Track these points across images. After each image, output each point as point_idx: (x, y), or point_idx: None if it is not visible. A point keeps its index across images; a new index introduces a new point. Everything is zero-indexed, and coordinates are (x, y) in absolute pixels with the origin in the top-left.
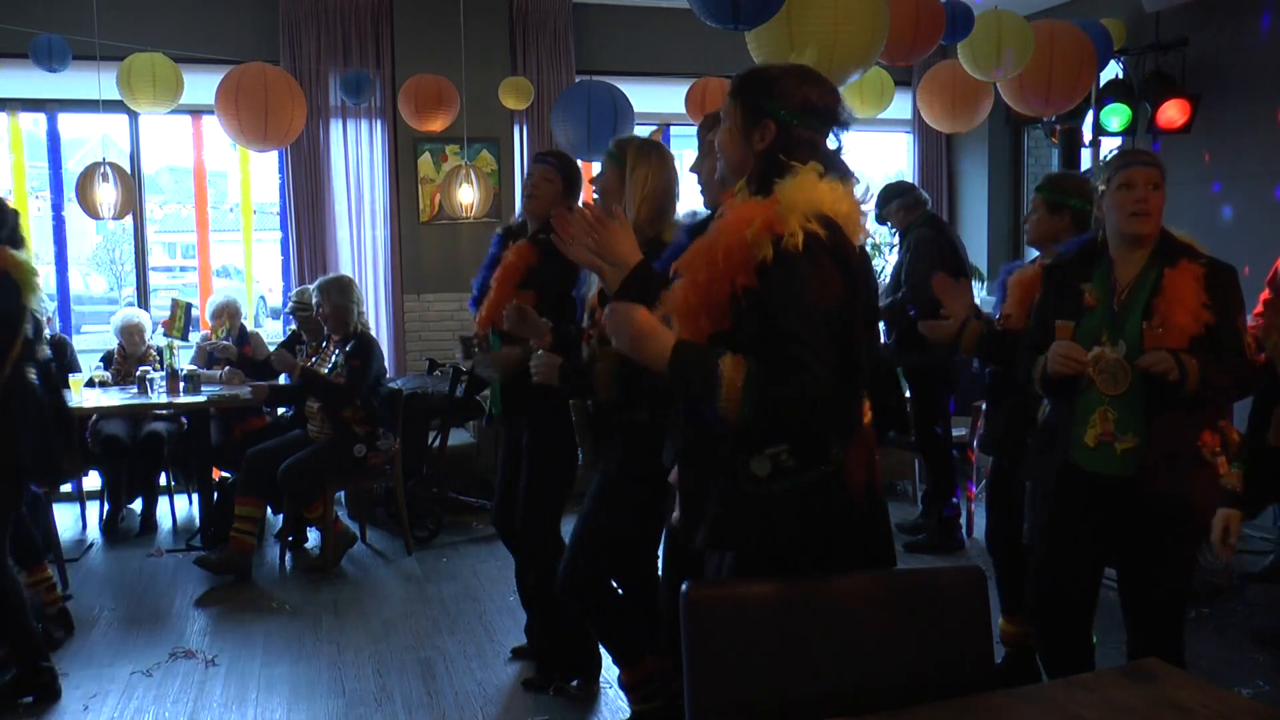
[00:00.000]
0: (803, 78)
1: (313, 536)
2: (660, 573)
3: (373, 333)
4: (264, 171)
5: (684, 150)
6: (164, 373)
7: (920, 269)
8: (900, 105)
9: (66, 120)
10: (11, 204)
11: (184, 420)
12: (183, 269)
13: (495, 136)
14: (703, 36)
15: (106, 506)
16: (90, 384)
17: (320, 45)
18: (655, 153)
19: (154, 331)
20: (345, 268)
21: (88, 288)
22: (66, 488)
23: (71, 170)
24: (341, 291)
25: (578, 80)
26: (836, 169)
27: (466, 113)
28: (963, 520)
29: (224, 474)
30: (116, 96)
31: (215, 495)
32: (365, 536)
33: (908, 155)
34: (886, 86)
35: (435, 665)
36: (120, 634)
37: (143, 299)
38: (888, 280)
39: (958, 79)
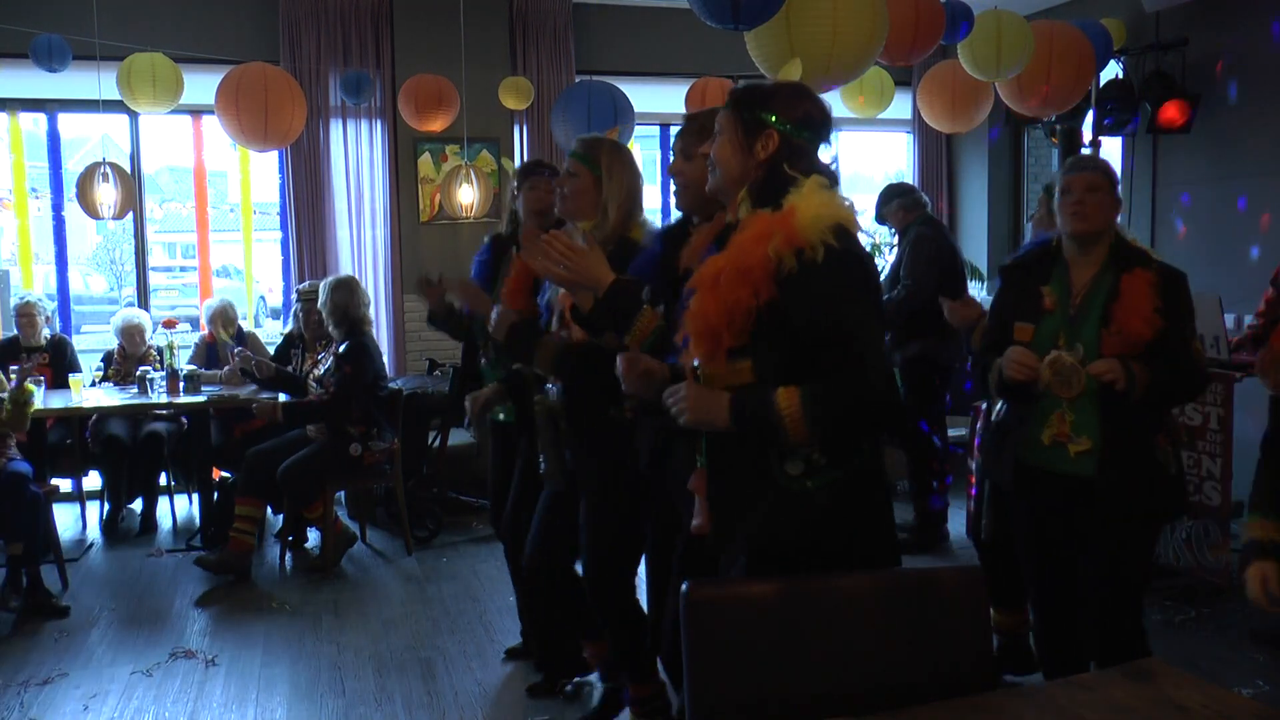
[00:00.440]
0: (799, 92)
1: (313, 536)
2: (647, 579)
3: (373, 334)
4: (264, 171)
5: None
6: (164, 373)
7: (919, 266)
8: (900, 105)
9: (66, 120)
10: None
11: (184, 420)
12: (183, 269)
13: (495, 136)
14: (703, 36)
15: (106, 506)
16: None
17: (320, 45)
18: (626, 155)
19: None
20: (345, 268)
21: (88, 288)
22: (66, 487)
23: (71, 170)
24: (346, 291)
25: (578, 80)
26: (831, 178)
27: (466, 113)
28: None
29: (224, 474)
30: (116, 96)
31: (215, 495)
32: (365, 536)
33: (908, 155)
34: (886, 86)
35: (435, 665)
36: (120, 634)
37: (143, 299)
38: (885, 277)
39: (958, 79)
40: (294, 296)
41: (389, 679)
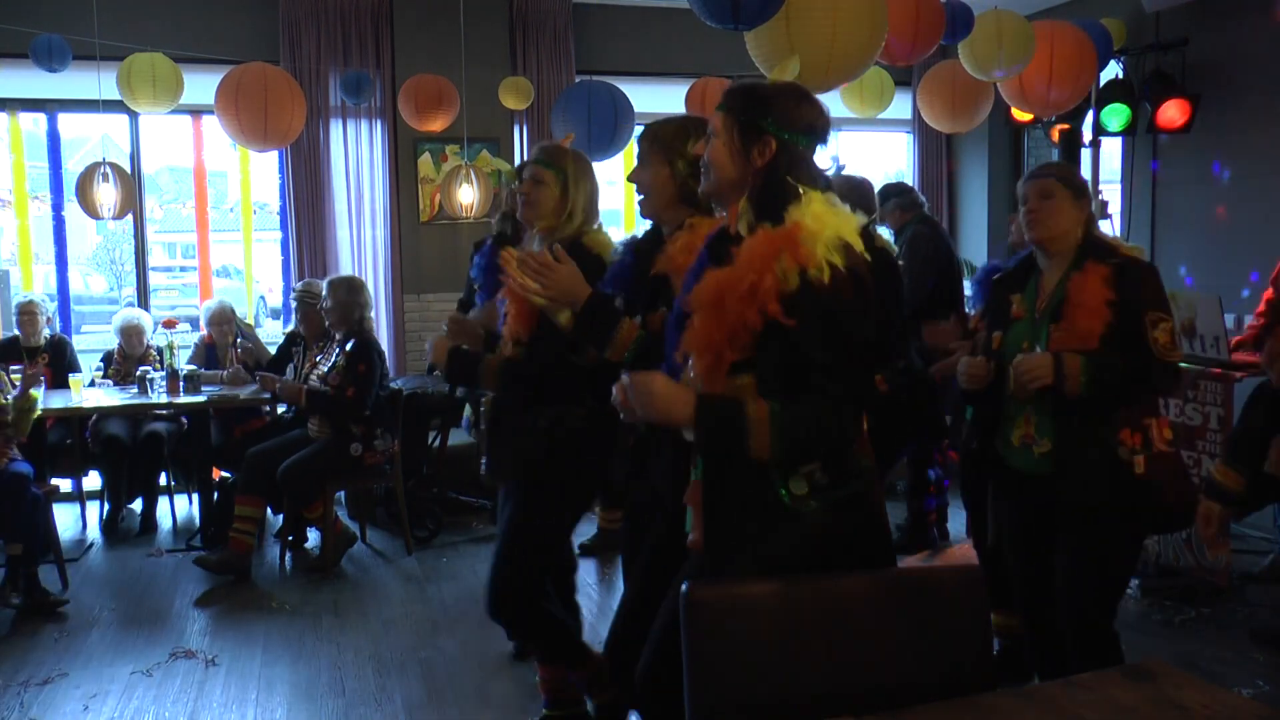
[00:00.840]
0: (799, 97)
1: (313, 536)
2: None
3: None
4: (264, 171)
5: None
6: (164, 373)
7: (915, 265)
8: (900, 105)
9: (66, 120)
10: None
11: (184, 420)
12: (183, 269)
13: (495, 136)
14: (703, 36)
15: (106, 506)
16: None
17: (320, 45)
18: (587, 163)
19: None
20: (345, 268)
21: (88, 288)
22: (66, 487)
23: (71, 170)
24: (349, 290)
25: (578, 80)
26: (825, 185)
27: (466, 113)
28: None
29: (224, 474)
30: (116, 96)
31: (215, 495)
32: (365, 536)
33: (908, 155)
34: (886, 86)
35: (435, 665)
36: (120, 634)
37: (143, 299)
38: None
39: (958, 79)
40: (292, 296)
41: (389, 679)
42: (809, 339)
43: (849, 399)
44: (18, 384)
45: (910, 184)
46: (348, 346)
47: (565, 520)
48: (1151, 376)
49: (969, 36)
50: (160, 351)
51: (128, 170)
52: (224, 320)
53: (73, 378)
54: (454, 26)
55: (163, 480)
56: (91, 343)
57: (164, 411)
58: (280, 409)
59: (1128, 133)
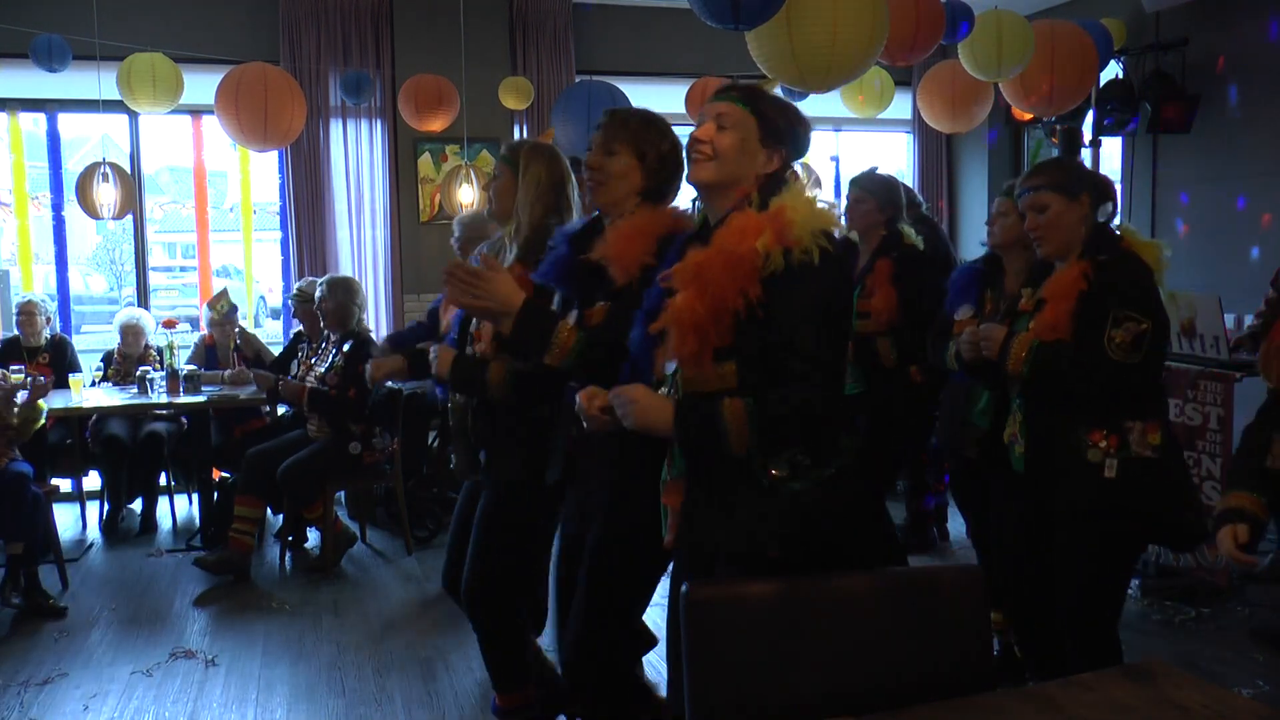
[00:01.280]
0: (803, 119)
1: (313, 536)
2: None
3: (372, 333)
4: (264, 171)
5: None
6: (164, 373)
7: None
8: (900, 105)
9: (66, 120)
10: None
11: (184, 420)
12: (183, 269)
13: (495, 136)
14: (703, 36)
15: (106, 506)
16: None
17: (320, 45)
18: (546, 153)
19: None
20: (345, 268)
21: (88, 288)
22: (66, 487)
23: (71, 170)
24: (346, 291)
25: (578, 80)
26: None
27: (466, 113)
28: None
29: (224, 474)
30: (116, 96)
31: (215, 495)
32: (365, 536)
33: (908, 155)
34: (886, 86)
35: (435, 665)
36: (120, 634)
37: (143, 299)
38: None
39: (958, 79)
40: (289, 297)
41: (389, 679)
42: (789, 320)
43: (829, 382)
44: (28, 387)
45: (909, 184)
46: (345, 347)
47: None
48: (1097, 375)
49: (969, 36)
50: (160, 351)
51: (128, 170)
52: (223, 302)
53: (73, 378)
54: (454, 26)
55: (163, 480)
56: (91, 343)
57: (164, 411)
58: (280, 409)
59: (1128, 133)
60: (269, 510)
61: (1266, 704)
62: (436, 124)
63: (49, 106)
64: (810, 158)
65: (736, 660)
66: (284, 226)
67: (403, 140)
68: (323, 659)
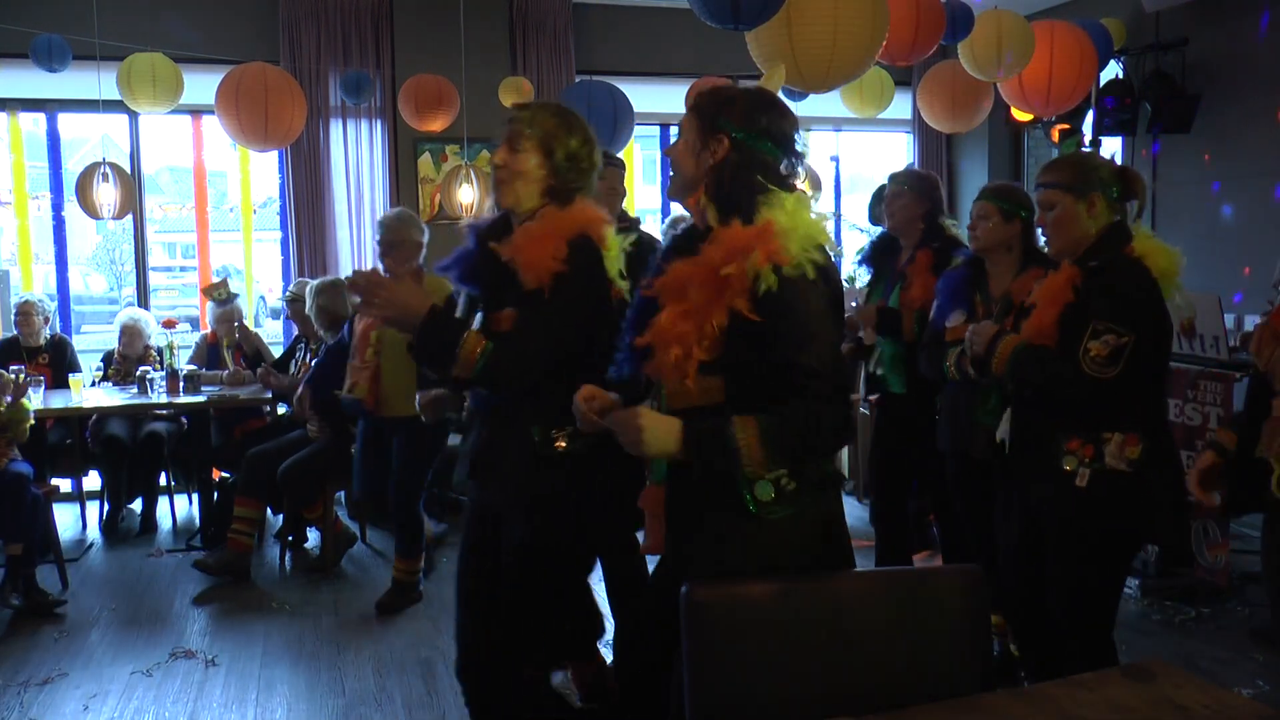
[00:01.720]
0: (758, 101)
1: (313, 536)
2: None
3: None
4: (264, 171)
5: None
6: (164, 373)
7: None
8: (900, 105)
9: (66, 120)
10: None
11: (184, 420)
12: (183, 269)
13: (495, 136)
14: (703, 36)
15: (106, 506)
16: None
17: (320, 45)
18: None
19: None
20: (345, 268)
21: (88, 288)
22: (66, 487)
23: (71, 170)
24: (331, 295)
25: (578, 80)
26: (789, 189)
27: (466, 113)
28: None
29: (224, 474)
30: (116, 96)
31: (215, 495)
32: (365, 536)
33: (908, 155)
34: (886, 86)
35: (435, 665)
36: (120, 634)
37: (143, 299)
38: None
39: (958, 79)
40: (284, 297)
41: (389, 679)
42: (792, 337)
43: (835, 396)
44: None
45: None
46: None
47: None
48: (1070, 387)
49: (969, 36)
50: (160, 351)
51: (128, 170)
52: (221, 290)
53: (73, 378)
54: (454, 26)
55: (163, 480)
56: (91, 343)
57: (164, 411)
58: (280, 409)
59: (1127, 133)
60: (269, 510)
61: (1266, 704)
62: (436, 124)
63: (49, 106)
64: (810, 158)
65: (736, 660)
66: (284, 226)
67: (403, 140)
68: (323, 659)
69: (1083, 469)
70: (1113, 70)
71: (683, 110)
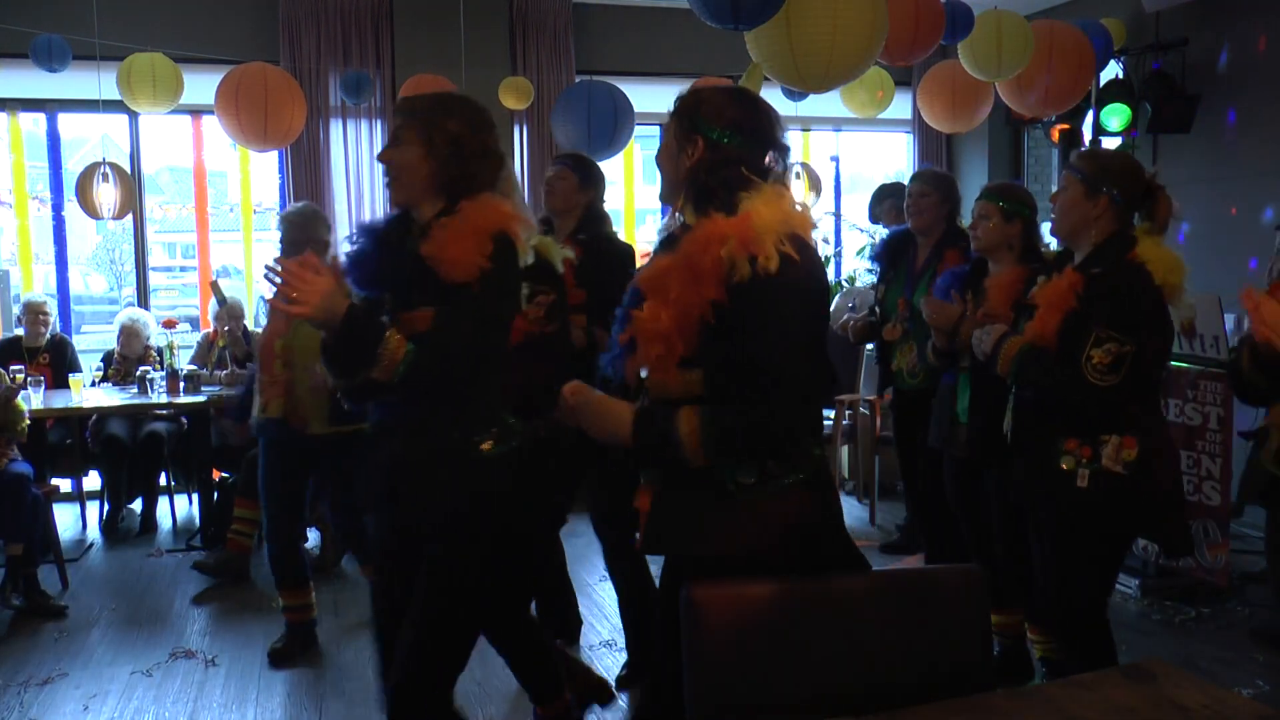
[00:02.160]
0: (732, 97)
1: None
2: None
3: None
4: (264, 171)
5: None
6: (164, 373)
7: None
8: (900, 105)
9: (66, 120)
10: None
11: (184, 420)
12: (183, 269)
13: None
14: (703, 36)
15: (106, 506)
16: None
17: (320, 45)
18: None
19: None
20: None
21: (88, 288)
22: (66, 487)
23: (71, 170)
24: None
25: (578, 80)
26: (784, 183)
27: None
28: None
29: (224, 474)
30: (116, 96)
31: (215, 495)
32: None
33: (908, 155)
34: (886, 86)
35: None
36: (120, 634)
37: (143, 299)
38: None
39: (958, 79)
40: None
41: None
42: (755, 333)
43: (796, 397)
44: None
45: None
46: None
47: None
48: (1072, 392)
49: (969, 36)
50: (160, 351)
51: (128, 170)
52: (235, 317)
53: (73, 378)
54: (454, 26)
55: (163, 480)
56: (91, 343)
57: (164, 411)
58: None
59: (1127, 133)
60: None
61: (1266, 704)
62: None
63: (49, 106)
64: (810, 158)
65: (736, 660)
66: None
67: None
68: (323, 659)
69: (1081, 469)
70: (1113, 70)
71: None
